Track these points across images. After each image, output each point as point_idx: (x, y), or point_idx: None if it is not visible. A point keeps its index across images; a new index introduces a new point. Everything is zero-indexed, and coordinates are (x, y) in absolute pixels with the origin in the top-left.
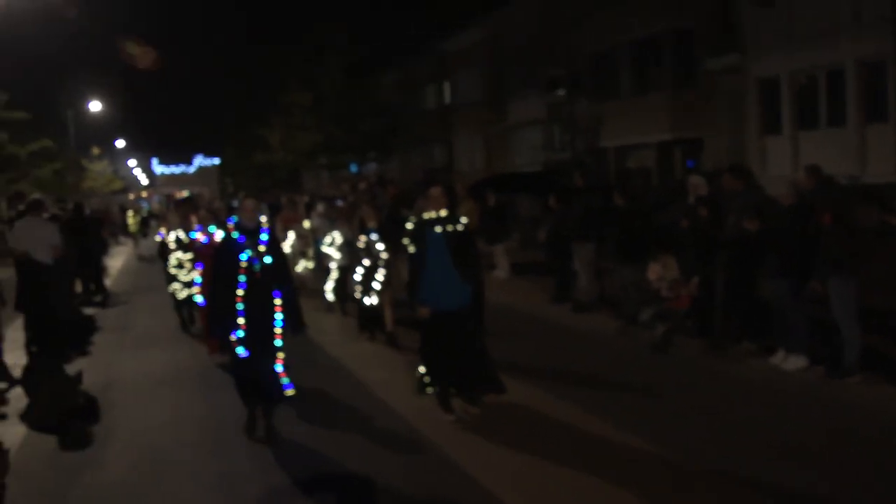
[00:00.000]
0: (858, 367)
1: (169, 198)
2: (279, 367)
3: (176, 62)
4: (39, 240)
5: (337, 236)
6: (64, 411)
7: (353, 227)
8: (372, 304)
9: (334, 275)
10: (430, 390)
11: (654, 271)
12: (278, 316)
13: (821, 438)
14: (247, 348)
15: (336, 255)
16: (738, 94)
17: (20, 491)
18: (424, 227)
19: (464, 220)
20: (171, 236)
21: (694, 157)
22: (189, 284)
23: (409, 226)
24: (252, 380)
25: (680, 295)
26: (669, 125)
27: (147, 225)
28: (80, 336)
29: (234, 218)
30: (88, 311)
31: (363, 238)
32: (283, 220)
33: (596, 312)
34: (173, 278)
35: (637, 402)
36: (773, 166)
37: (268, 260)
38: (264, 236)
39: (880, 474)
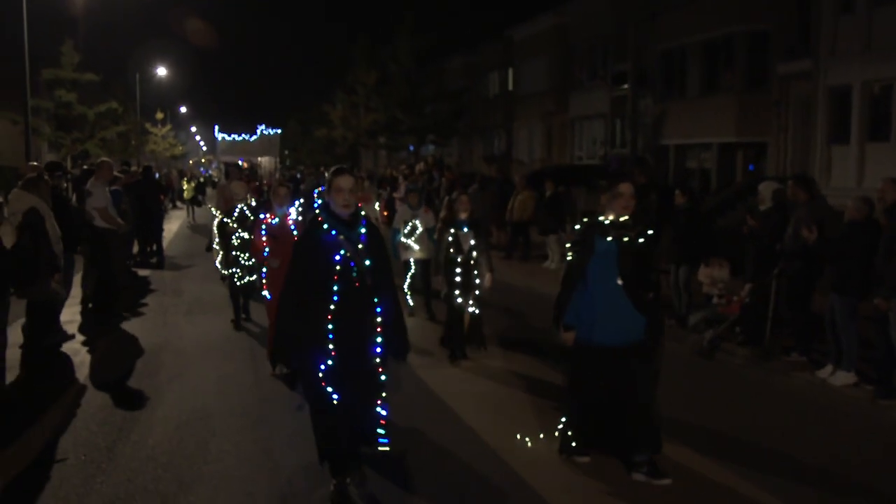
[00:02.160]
0: None
1: (229, 166)
2: (382, 412)
3: (246, 33)
4: (97, 203)
5: (419, 225)
6: (123, 369)
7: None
8: (467, 309)
9: (411, 270)
10: (580, 457)
11: (704, 275)
12: (379, 339)
13: (855, 453)
14: (339, 386)
15: (415, 247)
16: (807, 100)
17: (70, 443)
18: (594, 232)
19: (650, 231)
20: (235, 211)
21: (756, 162)
22: (251, 269)
23: (577, 228)
24: (344, 431)
25: (731, 301)
26: (735, 127)
27: (203, 192)
28: (133, 297)
29: (319, 201)
30: (143, 272)
31: (452, 231)
32: None
33: None
34: (234, 261)
35: (676, 408)
36: (837, 177)
37: (368, 262)
38: (363, 229)
39: None
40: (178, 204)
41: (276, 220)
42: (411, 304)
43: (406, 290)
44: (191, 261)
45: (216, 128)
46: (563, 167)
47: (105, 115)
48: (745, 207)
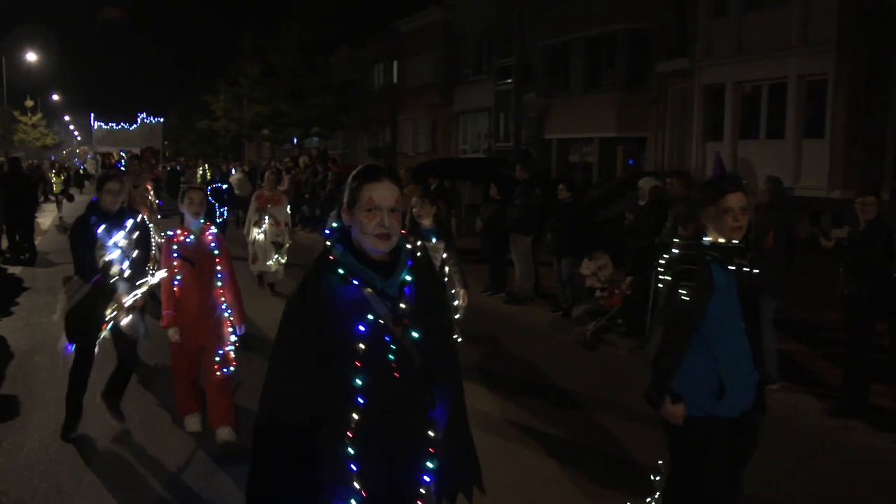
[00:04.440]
0: (778, 375)
1: (107, 157)
2: None
3: (125, 16)
4: None
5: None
6: None
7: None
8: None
9: None
10: None
11: (587, 267)
12: (430, 464)
13: None
14: None
15: None
16: (684, 98)
17: None
18: (708, 260)
19: (750, 267)
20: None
21: (635, 156)
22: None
23: (678, 253)
24: None
25: (613, 294)
26: (616, 123)
27: (80, 184)
28: (3, 296)
29: (332, 228)
30: (14, 269)
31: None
32: (259, 201)
33: (530, 305)
34: None
35: (563, 397)
36: (712, 172)
37: (416, 334)
38: (408, 276)
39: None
40: (51, 197)
41: (192, 237)
42: None
43: None
44: (65, 257)
45: (92, 116)
46: (449, 160)
47: None
48: (626, 202)
